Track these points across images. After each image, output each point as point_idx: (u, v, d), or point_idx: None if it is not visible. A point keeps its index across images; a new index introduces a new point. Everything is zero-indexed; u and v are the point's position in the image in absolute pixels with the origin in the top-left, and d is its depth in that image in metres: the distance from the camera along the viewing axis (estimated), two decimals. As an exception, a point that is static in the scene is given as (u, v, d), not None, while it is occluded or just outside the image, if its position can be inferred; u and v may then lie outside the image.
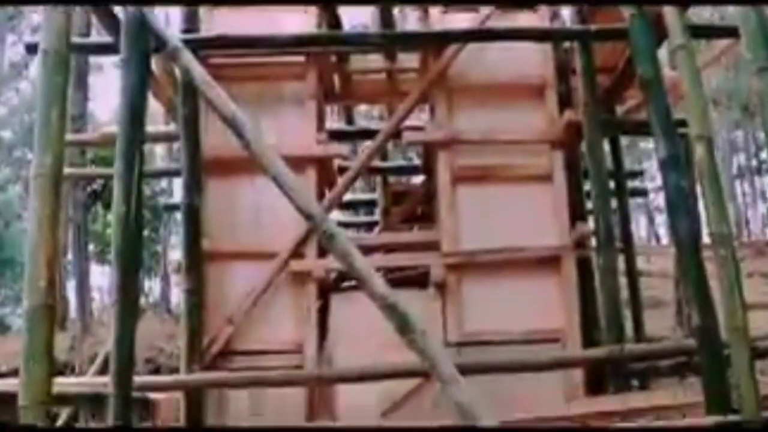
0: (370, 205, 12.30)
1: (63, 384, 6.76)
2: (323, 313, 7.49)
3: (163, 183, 31.02)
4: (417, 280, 7.69)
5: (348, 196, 12.14)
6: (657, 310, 25.50)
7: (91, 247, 31.97)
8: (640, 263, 12.18)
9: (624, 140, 16.50)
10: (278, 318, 7.36)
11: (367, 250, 5.98)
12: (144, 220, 9.05)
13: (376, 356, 6.85)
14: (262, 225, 7.56)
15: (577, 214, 7.85)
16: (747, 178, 42.31)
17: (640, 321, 10.36)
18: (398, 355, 6.57)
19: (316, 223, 5.64)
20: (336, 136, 8.78)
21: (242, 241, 7.58)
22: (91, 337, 22.70)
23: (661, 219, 43.32)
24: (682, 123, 7.07)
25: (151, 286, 35.62)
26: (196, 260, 7.27)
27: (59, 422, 8.64)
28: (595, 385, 7.29)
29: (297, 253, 7.44)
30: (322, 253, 7.44)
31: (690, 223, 6.10)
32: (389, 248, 8.12)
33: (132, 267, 5.91)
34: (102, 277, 31.44)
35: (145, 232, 32.04)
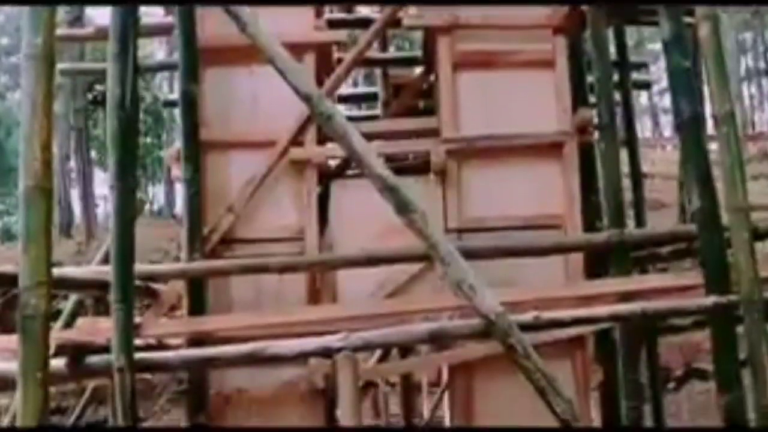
0: (370, 99, 12.17)
1: (66, 272, 6.82)
2: (324, 200, 7.47)
3: (165, 88, 30.88)
4: (418, 168, 7.66)
5: (348, 90, 12.04)
6: (659, 211, 25.68)
7: (93, 154, 32.02)
8: (644, 167, 12.03)
9: (630, 41, 16.24)
10: (278, 206, 7.35)
11: (367, 137, 5.91)
12: (140, 112, 8.98)
13: (377, 243, 6.89)
14: (260, 113, 7.49)
15: (579, 102, 7.75)
16: (754, 80, 41.92)
17: (642, 220, 10.31)
18: (399, 242, 6.64)
19: (313, 103, 5.58)
20: (335, 25, 8.60)
21: (241, 130, 7.52)
22: (96, 242, 22.94)
23: (666, 120, 43.13)
24: (690, 12, 6.96)
25: (155, 192, 35.84)
26: (195, 149, 7.24)
27: (64, 313, 8.73)
28: (595, 273, 7.30)
29: (296, 141, 7.38)
30: (321, 140, 7.39)
31: (692, 103, 6.06)
32: (389, 136, 8.05)
33: (129, 152, 5.89)
34: (105, 184, 31.61)
35: (147, 139, 32.09)
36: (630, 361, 7.02)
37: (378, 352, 9.88)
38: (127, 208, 5.96)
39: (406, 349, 10.53)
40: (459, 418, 7.08)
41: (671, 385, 26.19)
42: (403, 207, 5.54)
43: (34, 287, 4.84)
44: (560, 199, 7.28)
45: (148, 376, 24.08)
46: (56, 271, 5.55)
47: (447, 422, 8.55)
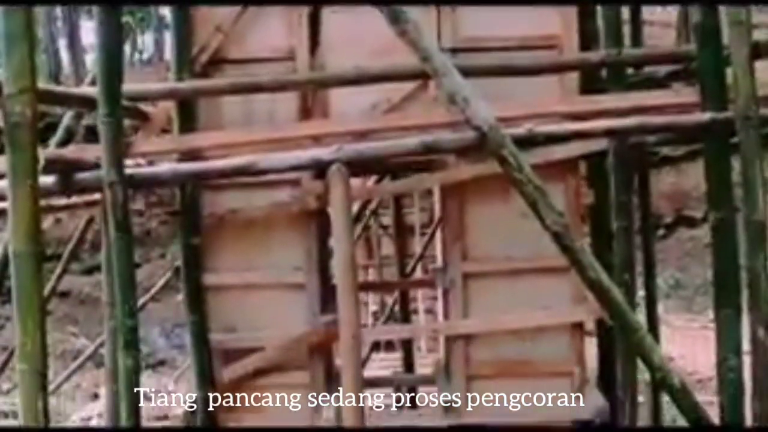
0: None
1: (52, 87, 6.71)
2: (315, 20, 7.27)
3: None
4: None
5: None
6: (656, 60, 25.45)
7: (79, 1, 31.24)
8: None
9: None
10: (269, 26, 7.12)
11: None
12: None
13: (369, 62, 6.75)
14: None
15: None
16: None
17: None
18: (392, 61, 6.54)
19: None
20: None
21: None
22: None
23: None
24: None
25: (144, 40, 35.19)
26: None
27: (53, 143, 8.63)
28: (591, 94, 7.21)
29: (286, -43, 7.13)
30: (311, -43, 7.13)
31: None
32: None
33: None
34: (93, 33, 31.00)
35: (135, -11, 31.34)
36: (621, 185, 7.04)
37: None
38: (113, 21, 5.84)
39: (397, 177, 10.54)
40: (451, 239, 7.12)
41: (661, 231, 26.74)
42: (396, 17, 5.40)
43: (18, 94, 4.73)
44: (557, 19, 7.06)
45: (139, 207, 24.49)
46: (42, 86, 5.47)
47: (438, 259, 8.62)
